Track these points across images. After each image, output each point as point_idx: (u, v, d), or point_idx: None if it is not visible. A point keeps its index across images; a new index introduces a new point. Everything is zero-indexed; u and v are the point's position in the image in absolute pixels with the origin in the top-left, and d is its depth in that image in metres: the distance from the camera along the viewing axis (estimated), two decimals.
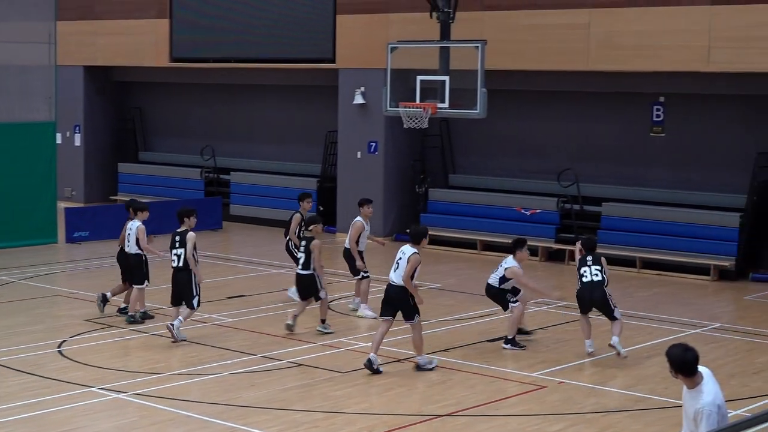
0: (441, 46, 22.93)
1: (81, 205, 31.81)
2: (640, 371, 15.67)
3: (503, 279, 16.81)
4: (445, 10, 23.21)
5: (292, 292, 19.88)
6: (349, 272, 19.47)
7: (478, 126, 26.39)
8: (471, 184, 27.84)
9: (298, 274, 17.47)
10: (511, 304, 16.75)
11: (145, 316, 18.27)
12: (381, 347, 15.53)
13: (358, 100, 27.53)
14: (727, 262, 23.07)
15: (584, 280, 16.42)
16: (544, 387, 14.69)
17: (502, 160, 27.55)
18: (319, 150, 29.68)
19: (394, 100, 23.35)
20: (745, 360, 16.30)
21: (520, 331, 17.09)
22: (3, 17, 26.62)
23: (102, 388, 14.26)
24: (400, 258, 15.43)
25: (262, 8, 29.47)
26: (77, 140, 33.92)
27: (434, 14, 23.33)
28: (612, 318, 16.28)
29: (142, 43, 32.01)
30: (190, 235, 17.00)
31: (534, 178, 26.79)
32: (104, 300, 18.56)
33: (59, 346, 16.50)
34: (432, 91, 22.87)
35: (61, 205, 28.38)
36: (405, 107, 22.91)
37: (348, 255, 19.04)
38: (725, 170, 24.31)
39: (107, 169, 34.24)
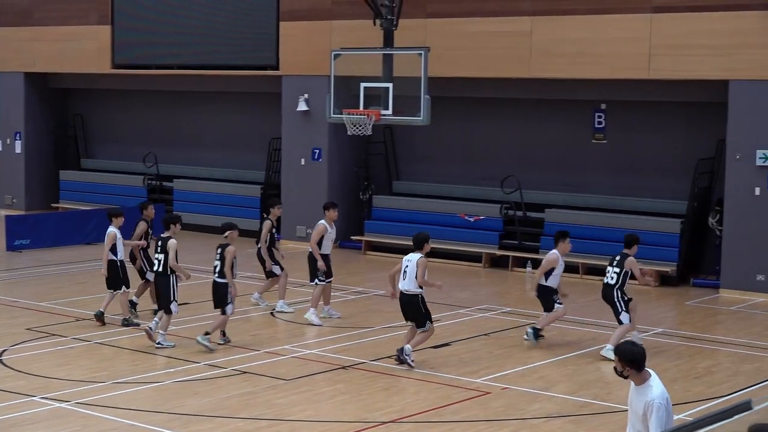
0: (384, 53, 22.95)
1: (22, 212, 31.51)
2: (583, 377, 15.76)
3: (548, 274, 17.21)
4: (389, 17, 23.23)
5: (255, 297, 19.97)
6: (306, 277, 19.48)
7: (421, 133, 26.46)
8: (415, 190, 27.89)
9: (214, 281, 17.29)
10: (556, 305, 17.22)
11: (128, 323, 18.33)
12: (328, 354, 15.49)
13: (302, 107, 27.49)
14: (668, 268, 23.29)
15: (604, 280, 17.15)
16: (488, 393, 14.74)
17: (446, 166, 27.63)
18: (263, 157, 29.60)
19: (337, 107, 23.33)
20: (688, 365, 16.45)
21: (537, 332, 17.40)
22: None
23: (44, 398, 14.12)
24: (407, 266, 15.95)
25: (205, 15, 29.34)
26: (18, 147, 33.59)
27: (377, 21, 23.36)
28: (618, 321, 16.77)
29: (83, 50, 31.75)
30: (172, 242, 17.18)
31: (477, 185, 26.89)
32: (132, 305, 18.82)
33: (0, 355, 16.31)
34: (376, 98, 22.88)
35: (2, 212, 28.13)
36: (348, 114, 22.90)
37: (311, 259, 19.01)
38: (666, 176, 24.55)
39: (48, 176, 33.93)
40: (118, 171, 33.16)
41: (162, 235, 17.45)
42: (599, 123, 25.37)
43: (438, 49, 23.47)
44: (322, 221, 19.08)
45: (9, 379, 15.04)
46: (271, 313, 19.70)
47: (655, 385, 9.03)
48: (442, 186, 27.48)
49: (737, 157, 22.16)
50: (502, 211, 25.85)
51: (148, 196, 31.69)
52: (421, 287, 15.88)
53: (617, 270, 16.91)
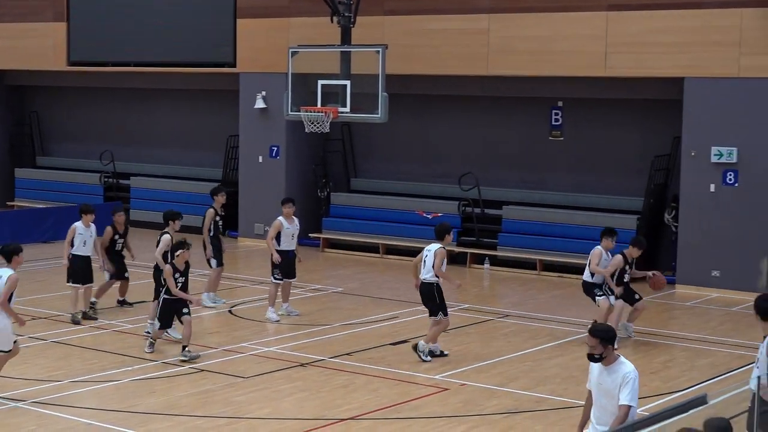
0: (342, 51, 22.95)
1: None
2: (540, 372, 15.83)
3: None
4: (346, 14, 23.22)
5: (207, 296, 19.87)
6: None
7: (379, 130, 26.46)
8: (373, 188, 27.89)
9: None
10: (597, 298, 17.40)
11: (85, 316, 18.38)
12: (287, 351, 15.46)
13: (259, 104, 27.42)
14: None
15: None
16: (447, 389, 14.77)
17: (404, 164, 27.65)
18: (221, 154, 29.50)
19: (295, 105, 23.29)
20: (643, 360, 16.55)
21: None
22: None
23: (0, 397, 14.02)
24: (426, 255, 16.26)
25: (162, 12, 29.19)
26: None
27: (335, 19, 23.34)
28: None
29: (38, 47, 31.50)
30: (164, 237, 17.36)
31: (435, 182, 26.94)
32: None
33: None
34: (333, 96, 22.88)
35: None
36: (306, 111, 22.87)
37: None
38: (622, 173, 24.70)
39: (4, 174, 33.63)
40: (74, 169, 32.93)
41: (162, 231, 17.73)
42: (556, 120, 25.49)
43: (396, 47, 23.49)
44: (279, 217, 19.05)
45: None
46: (229, 311, 19.65)
47: (626, 362, 9.52)
48: (400, 183, 27.50)
49: (692, 154, 22.33)
50: (460, 208, 25.91)
51: (104, 193, 31.54)
52: (437, 276, 16.15)
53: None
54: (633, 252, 17.53)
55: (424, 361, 16.03)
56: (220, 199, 20.16)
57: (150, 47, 29.40)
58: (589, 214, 24.34)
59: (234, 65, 27.96)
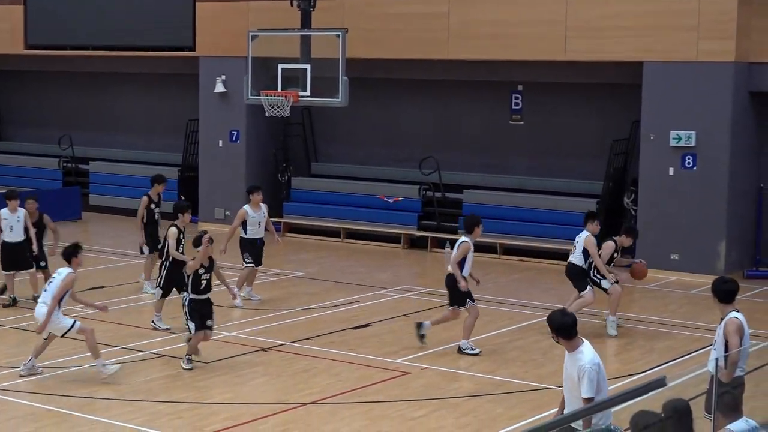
0: (302, 35, 22.89)
1: None
2: (501, 356, 15.91)
3: (585, 253, 17.02)
4: None
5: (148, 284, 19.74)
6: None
7: (340, 114, 26.43)
8: (334, 172, 27.87)
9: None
10: (588, 287, 16.98)
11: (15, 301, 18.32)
12: (248, 336, 15.45)
13: (219, 88, 27.31)
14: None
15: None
16: (408, 373, 14.82)
17: (365, 148, 27.65)
18: (180, 139, 29.36)
19: (255, 89, 23.23)
20: (603, 342, 16.65)
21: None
22: None
23: None
24: (455, 247, 16.13)
25: None
26: None
27: (295, 2, 23.26)
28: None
29: None
30: (171, 230, 16.97)
31: (396, 166, 26.96)
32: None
33: None
34: (294, 80, 22.82)
35: None
36: (266, 95, 22.81)
37: (242, 242, 18.86)
38: (582, 157, 24.81)
39: None
40: (33, 154, 32.68)
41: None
42: (516, 104, 25.57)
43: (356, 31, 23.45)
44: (245, 206, 18.95)
45: None
46: None
47: (586, 352, 9.41)
48: (360, 167, 27.50)
49: (651, 137, 22.46)
50: (420, 192, 25.95)
51: (63, 178, 31.35)
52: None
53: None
54: (625, 241, 17.35)
55: (474, 354, 15.82)
56: (159, 188, 19.92)
57: (109, 31, 29.17)
58: (549, 198, 24.46)
59: (193, 49, 27.82)
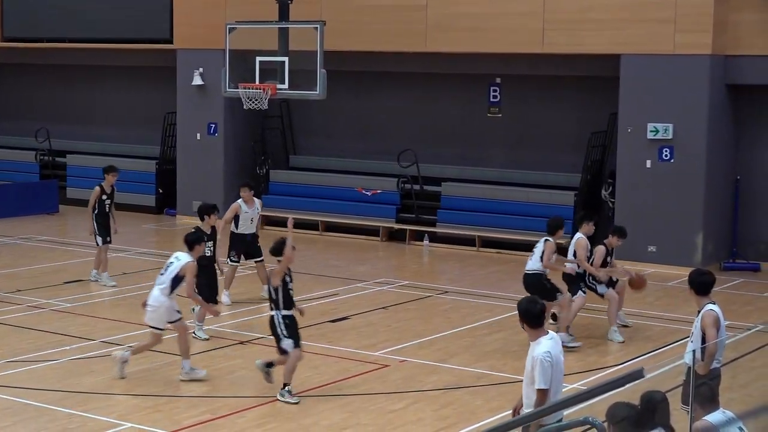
0: (280, 27, 22.84)
1: None
2: (480, 348, 15.94)
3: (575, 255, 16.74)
4: None
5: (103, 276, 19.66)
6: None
7: (318, 107, 26.40)
8: (312, 165, 27.85)
9: None
10: (580, 292, 16.50)
11: None
12: (226, 330, 15.42)
13: (197, 81, 27.24)
14: (563, 240, 23.53)
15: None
16: (387, 366, 14.83)
17: (343, 141, 27.63)
18: (158, 132, 29.27)
19: (233, 81, 23.16)
20: (582, 335, 16.69)
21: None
22: None
23: None
24: (536, 247, 15.97)
25: None
26: None
27: None
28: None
29: None
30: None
31: (374, 159, 26.95)
32: None
33: None
34: (272, 72, 22.77)
35: None
36: (244, 88, 22.75)
37: (231, 237, 18.71)
38: (560, 150, 24.87)
39: None
40: (9, 146, 32.52)
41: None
42: (494, 97, 25.59)
43: (334, 23, 23.39)
44: (239, 200, 18.73)
45: None
46: None
47: (544, 343, 9.30)
48: (339, 160, 27.49)
49: (629, 130, 22.53)
50: (399, 184, 25.96)
51: (40, 171, 31.23)
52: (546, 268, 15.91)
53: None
54: (613, 241, 17.06)
55: (574, 347, 15.73)
56: (111, 178, 19.87)
57: (86, 23, 29.07)
58: (527, 191, 24.51)
59: (171, 42, 27.75)
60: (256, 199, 18.91)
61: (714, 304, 11.04)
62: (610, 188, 23.54)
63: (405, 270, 22.32)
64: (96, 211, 19.61)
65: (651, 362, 14.88)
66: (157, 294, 14.01)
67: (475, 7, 23.76)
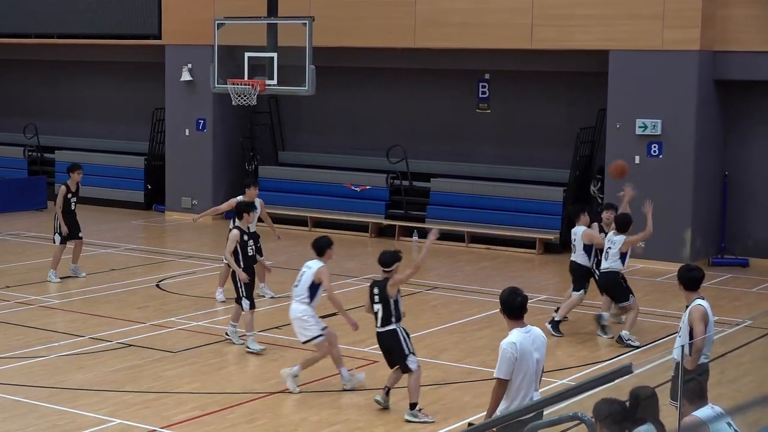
0: (268, 23, 22.81)
1: None
2: (470, 344, 15.95)
3: (587, 250, 16.70)
4: None
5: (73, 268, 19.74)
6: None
7: (307, 103, 26.39)
8: (301, 161, 27.83)
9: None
10: (582, 291, 16.66)
11: None
12: (216, 326, 15.40)
13: (185, 77, 27.21)
14: (551, 236, 23.64)
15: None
16: (376, 362, 14.82)
17: (332, 136, 27.62)
18: (147, 128, 29.22)
19: (221, 77, 23.13)
20: (571, 330, 16.73)
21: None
22: None
23: None
24: (610, 247, 16.02)
25: None
26: None
27: None
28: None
29: None
30: (233, 233, 15.55)
31: (364, 155, 26.94)
32: None
33: None
34: (260, 68, 22.73)
35: None
36: (233, 84, 22.72)
37: None
38: (549, 145, 24.88)
39: None
40: None
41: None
42: (483, 93, 25.60)
43: (322, 19, 23.37)
44: (240, 196, 18.57)
45: None
46: (157, 285, 19.53)
47: (511, 335, 9.33)
48: (328, 156, 27.47)
49: (617, 126, 22.55)
50: (388, 180, 25.96)
51: (29, 167, 31.17)
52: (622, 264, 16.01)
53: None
54: (607, 216, 17.21)
55: (634, 346, 15.75)
56: (76, 176, 19.83)
57: (74, 19, 28.97)
58: (516, 186, 24.52)
59: (159, 37, 27.70)
60: (257, 198, 18.80)
61: (702, 299, 11.06)
62: (599, 184, 23.57)
63: None
64: (63, 208, 19.54)
65: (640, 358, 14.91)
66: (296, 306, 13.76)
67: (464, 3, 23.76)
